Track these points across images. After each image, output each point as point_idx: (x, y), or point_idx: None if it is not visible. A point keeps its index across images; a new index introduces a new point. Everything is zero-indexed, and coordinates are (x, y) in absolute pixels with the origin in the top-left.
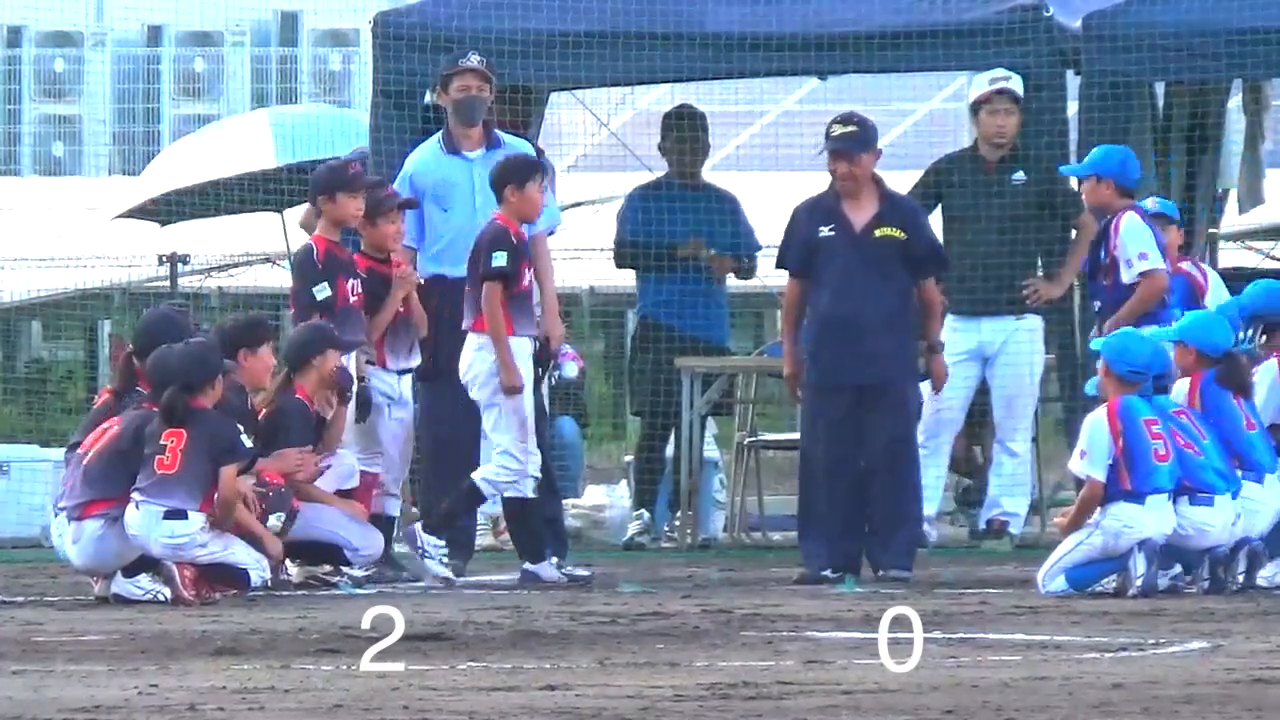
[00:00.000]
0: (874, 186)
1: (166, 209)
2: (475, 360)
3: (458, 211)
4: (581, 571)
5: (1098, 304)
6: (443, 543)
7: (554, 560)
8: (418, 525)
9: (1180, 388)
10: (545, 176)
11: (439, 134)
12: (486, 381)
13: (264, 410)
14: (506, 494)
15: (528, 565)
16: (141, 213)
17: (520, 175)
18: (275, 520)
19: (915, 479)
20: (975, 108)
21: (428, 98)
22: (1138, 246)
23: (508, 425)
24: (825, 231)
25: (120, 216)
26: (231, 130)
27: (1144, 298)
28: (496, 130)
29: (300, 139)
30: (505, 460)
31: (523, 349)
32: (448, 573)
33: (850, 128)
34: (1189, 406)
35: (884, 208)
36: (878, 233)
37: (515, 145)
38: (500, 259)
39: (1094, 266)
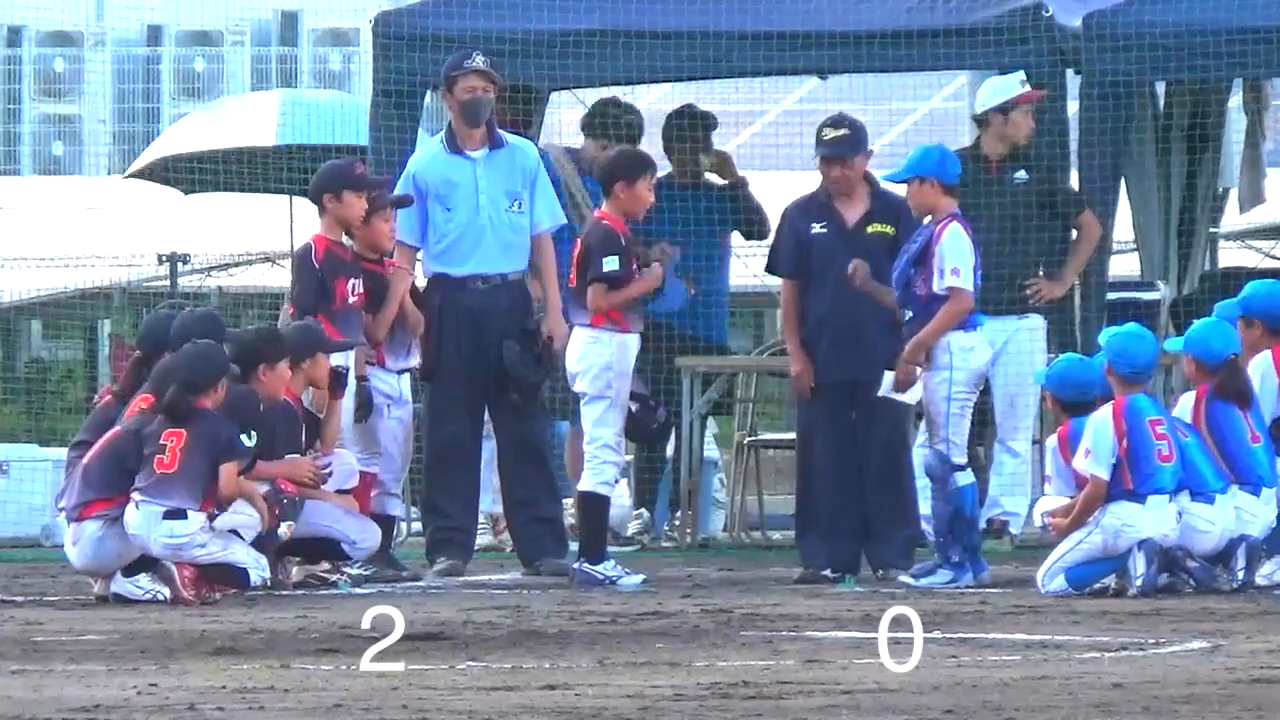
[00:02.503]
0: (865, 184)
1: (178, 174)
2: (588, 353)
3: (461, 210)
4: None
5: (909, 313)
6: (613, 561)
7: (613, 562)
8: (583, 564)
9: (1185, 402)
10: (653, 174)
11: (442, 133)
12: (599, 374)
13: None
14: (593, 487)
15: (586, 565)
16: (155, 176)
17: (633, 171)
18: (286, 529)
19: (910, 478)
20: (1005, 109)
21: (428, 98)
22: (953, 260)
23: (613, 420)
24: (817, 229)
25: (131, 175)
26: (243, 105)
27: (947, 315)
28: (499, 129)
29: (304, 123)
30: (607, 454)
31: (633, 345)
32: (638, 578)
33: (841, 131)
34: (1193, 422)
35: (875, 205)
36: (870, 230)
37: (518, 144)
38: (611, 264)
39: (911, 274)
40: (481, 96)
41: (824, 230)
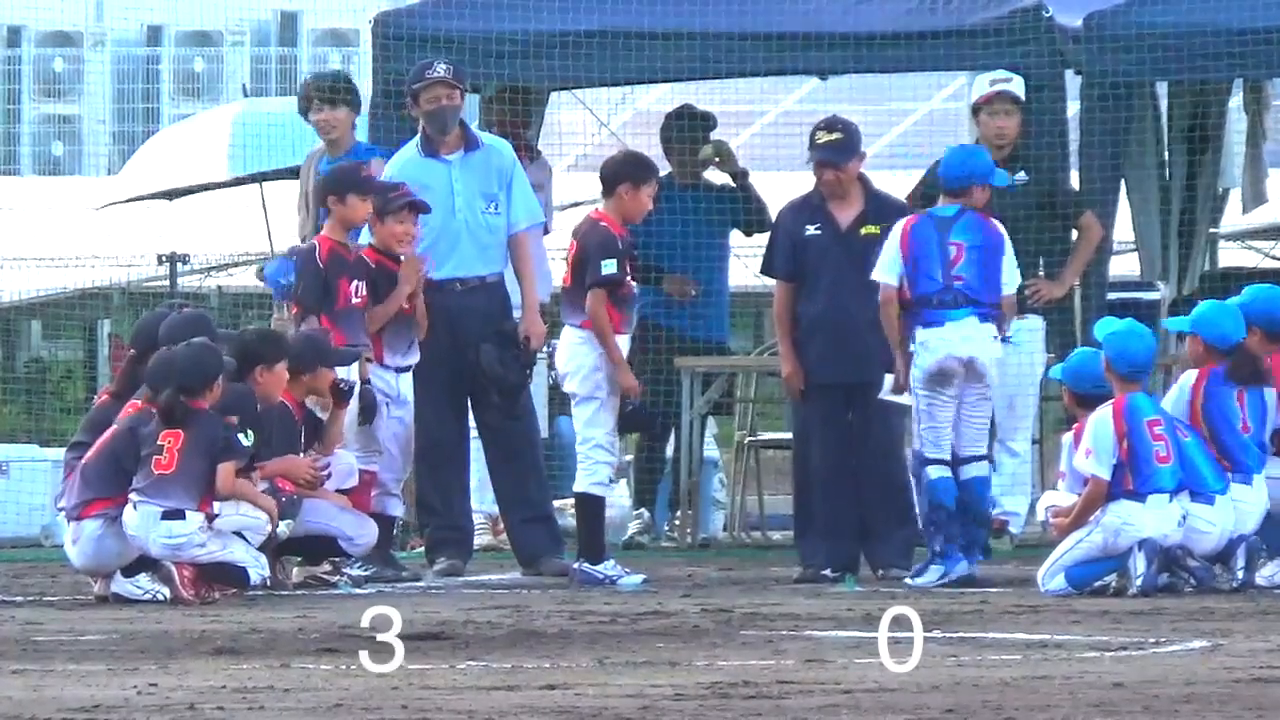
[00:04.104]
0: (859, 185)
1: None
2: (577, 354)
3: (437, 213)
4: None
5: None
6: (613, 560)
7: (613, 561)
8: (583, 564)
9: (1186, 380)
10: (657, 182)
11: (417, 137)
12: (589, 376)
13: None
14: (587, 488)
15: (586, 565)
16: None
17: (638, 175)
18: (285, 527)
19: (906, 478)
20: (976, 109)
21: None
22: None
23: (604, 420)
24: (811, 230)
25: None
26: (195, 131)
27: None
28: (474, 130)
29: (258, 147)
30: (599, 454)
31: (623, 345)
32: (638, 578)
33: (835, 135)
34: (1191, 400)
35: (869, 206)
36: (863, 231)
37: (493, 144)
38: (610, 267)
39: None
40: (446, 105)
41: (818, 232)
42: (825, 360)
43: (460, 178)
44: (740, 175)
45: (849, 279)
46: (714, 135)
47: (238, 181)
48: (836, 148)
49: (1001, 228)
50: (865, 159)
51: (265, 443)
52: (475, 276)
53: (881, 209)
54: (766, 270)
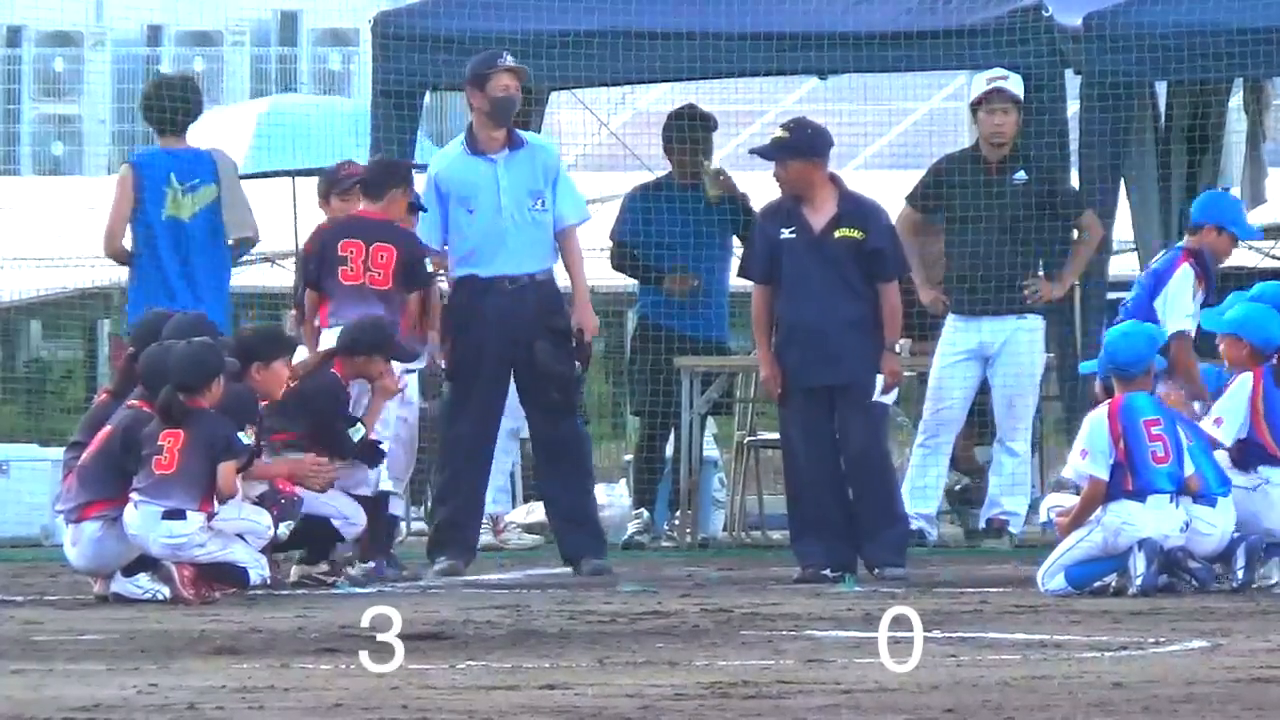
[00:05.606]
0: (832, 188)
1: None
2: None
3: (483, 213)
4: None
5: None
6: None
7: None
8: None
9: (1241, 388)
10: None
11: (462, 135)
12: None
13: (298, 378)
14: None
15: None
16: None
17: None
18: (285, 529)
19: (890, 477)
20: (974, 107)
21: (427, 98)
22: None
23: None
24: (786, 234)
25: None
26: (222, 123)
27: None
28: (517, 130)
29: (281, 145)
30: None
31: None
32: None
33: (781, 134)
34: (1251, 403)
35: (843, 209)
36: (836, 234)
37: (537, 143)
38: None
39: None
40: (515, 95)
41: (792, 235)
42: (803, 364)
43: (506, 175)
44: (741, 199)
45: (823, 282)
46: (714, 136)
47: (262, 175)
48: (777, 145)
49: (1183, 269)
50: (824, 165)
51: (329, 415)
52: (525, 274)
53: (855, 212)
54: (744, 273)
